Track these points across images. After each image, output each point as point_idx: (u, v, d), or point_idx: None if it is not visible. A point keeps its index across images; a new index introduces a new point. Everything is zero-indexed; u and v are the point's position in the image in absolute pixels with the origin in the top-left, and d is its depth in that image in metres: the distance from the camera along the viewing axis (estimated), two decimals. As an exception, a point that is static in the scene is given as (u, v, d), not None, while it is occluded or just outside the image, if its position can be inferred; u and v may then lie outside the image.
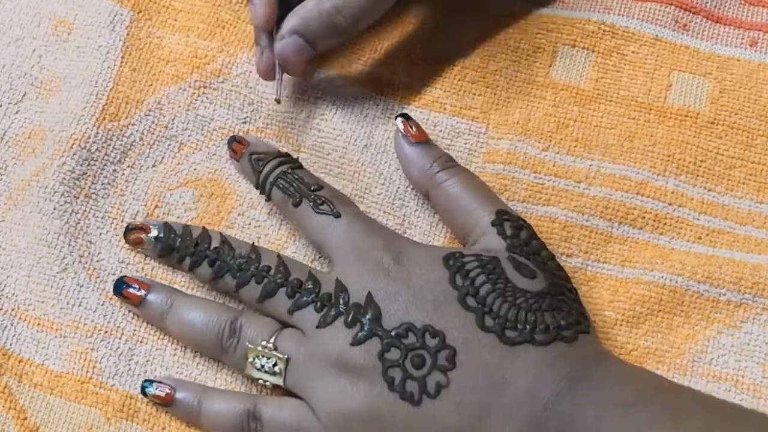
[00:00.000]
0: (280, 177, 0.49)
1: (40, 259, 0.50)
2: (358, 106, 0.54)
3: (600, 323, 0.48)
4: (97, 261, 0.50)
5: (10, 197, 0.52)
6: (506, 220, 0.47)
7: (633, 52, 0.54)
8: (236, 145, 0.51)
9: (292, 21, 0.49)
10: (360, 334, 0.43)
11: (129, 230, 0.50)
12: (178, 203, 0.52)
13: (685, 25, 0.54)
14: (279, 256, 0.47)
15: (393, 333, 0.43)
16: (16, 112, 0.54)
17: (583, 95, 0.53)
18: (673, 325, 0.48)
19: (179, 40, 0.55)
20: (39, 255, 0.50)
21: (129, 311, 0.49)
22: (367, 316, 0.43)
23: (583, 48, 0.54)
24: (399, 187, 0.52)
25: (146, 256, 0.50)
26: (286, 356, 0.45)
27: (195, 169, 0.53)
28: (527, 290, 0.43)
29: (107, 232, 0.51)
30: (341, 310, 0.44)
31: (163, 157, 0.53)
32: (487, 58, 0.54)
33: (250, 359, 0.46)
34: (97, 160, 0.52)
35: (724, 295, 0.48)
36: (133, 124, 0.53)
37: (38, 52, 0.55)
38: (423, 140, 0.50)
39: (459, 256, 0.45)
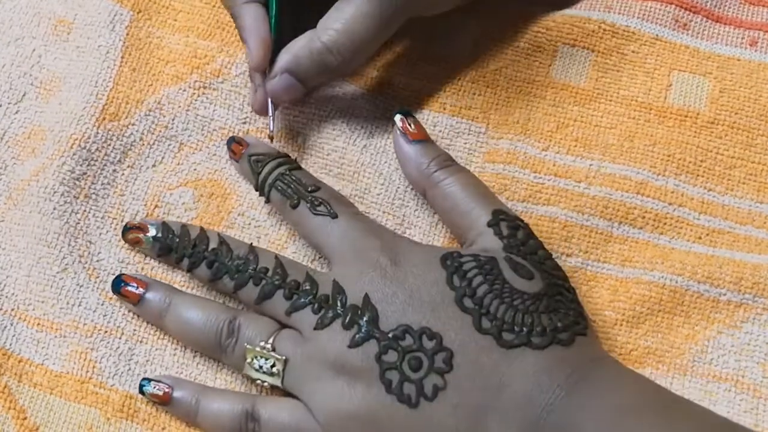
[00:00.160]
0: (279, 178, 0.49)
1: (40, 259, 0.50)
2: (358, 106, 0.54)
3: (600, 323, 0.48)
4: (97, 261, 0.50)
5: (10, 197, 0.52)
6: (503, 220, 0.47)
7: (633, 51, 0.53)
8: (235, 146, 0.52)
9: (284, 59, 0.50)
10: (357, 336, 0.43)
11: (127, 230, 0.50)
12: (178, 203, 0.52)
13: (685, 25, 0.54)
14: (277, 257, 0.47)
15: (390, 335, 0.43)
16: (16, 112, 0.54)
17: (583, 95, 0.53)
18: (673, 325, 0.48)
19: (179, 40, 0.55)
20: (39, 255, 0.50)
21: (129, 311, 0.49)
22: (365, 318, 0.43)
23: (583, 47, 0.54)
24: (398, 188, 0.52)
25: (146, 256, 0.51)
26: (284, 357, 0.45)
27: (195, 170, 0.53)
28: (524, 291, 0.43)
29: (107, 232, 0.51)
30: (339, 311, 0.44)
31: (163, 157, 0.53)
32: (487, 57, 0.54)
33: (249, 360, 0.46)
34: (97, 160, 0.52)
35: (724, 295, 0.48)
36: (133, 124, 0.53)
37: (38, 52, 0.55)
38: (422, 138, 0.50)
39: (456, 256, 0.45)
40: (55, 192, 0.51)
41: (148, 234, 0.50)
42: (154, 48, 0.55)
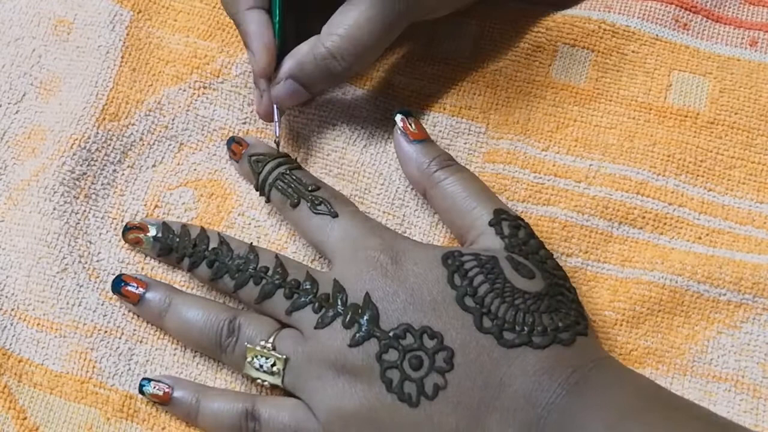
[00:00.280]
0: (279, 178, 0.49)
1: (40, 259, 0.50)
2: (358, 106, 0.54)
3: (600, 323, 0.48)
4: (97, 261, 0.50)
5: (10, 197, 0.52)
6: (504, 220, 0.47)
7: (633, 51, 0.53)
8: (235, 146, 0.52)
9: (288, 64, 0.50)
10: (358, 335, 0.43)
11: (127, 230, 0.50)
12: (178, 203, 0.52)
13: (685, 25, 0.54)
14: (277, 256, 0.47)
15: (391, 334, 0.43)
16: (16, 112, 0.54)
17: (583, 95, 0.53)
18: (673, 325, 0.48)
19: (179, 40, 0.55)
20: (39, 255, 0.50)
21: (129, 311, 0.49)
22: (365, 317, 0.43)
23: (583, 47, 0.54)
24: (399, 188, 0.52)
25: (146, 256, 0.51)
26: (284, 356, 0.45)
27: (195, 170, 0.53)
28: (526, 291, 0.43)
29: (107, 232, 0.51)
30: (339, 310, 0.44)
31: (163, 158, 0.53)
32: (487, 57, 0.54)
33: (249, 359, 0.46)
34: (97, 160, 0.52)
35: (724, 295, 0.48)
36: (133, 124, 0.53)
37: (38, 52, 0.55)
38: (422, 138, 0.50)
39: (458, 255, 0.45)
40: (55, 192, 0.51)
41: (148, 234, 0.50)
42: (154, 48, 0.55)
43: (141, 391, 0.47)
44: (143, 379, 0.48)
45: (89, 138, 0.52)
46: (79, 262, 0.50)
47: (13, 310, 0.49)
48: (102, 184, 0.52)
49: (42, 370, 0.48)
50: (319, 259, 0.50)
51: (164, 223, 0.50)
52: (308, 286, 0.45)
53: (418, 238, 0.50)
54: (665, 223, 0.50)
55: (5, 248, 0.51)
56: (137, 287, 0.48)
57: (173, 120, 0.53)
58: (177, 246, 0.49)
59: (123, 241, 0.50)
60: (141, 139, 0.53)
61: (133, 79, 0.54)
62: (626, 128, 0.52)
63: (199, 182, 0.52)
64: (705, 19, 0.54)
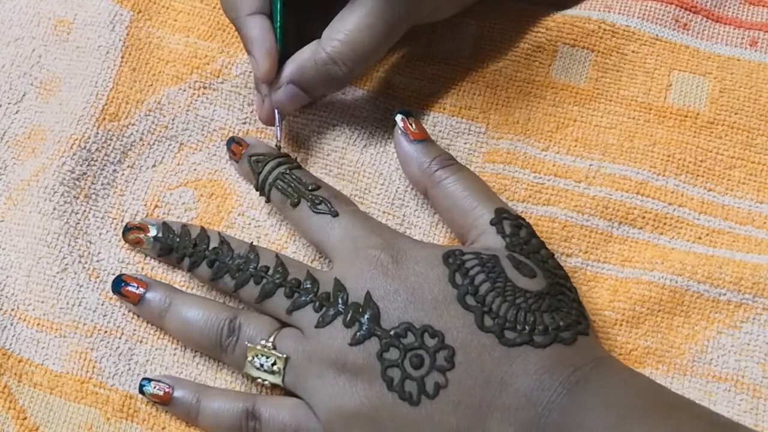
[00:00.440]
0: (279, 178, 0.49)
1: (40, 259, 0.50)
2: (358, 106, 0.54)
3: (600, 323, 0.48)
4: (97, 261, 0.50)
5: (10, 197, 0.52)
6: (505, 219, 0.47)
7: (633, 51, 0.53)
8: (235, 146, 0.52)
9: (289, 69, 0.50)
10: (359, 333, 0.43)
11: (128, 230, 0.50)
12: (178, 203, 0.52)
13: (685, 25, 0.54)
14: (277, 255, 0.47)
15: (392, 333, 0.43)
16: (16, 112, 0.54)
17: (583, 95, 0.53)
18: (673, 325, 0.48)
19: (179, 40, 0.55)
20: (39, 255, 0.50)
21: (129, 311, 0.49)
22: (366, 316, 0.43)
23: (583, 47, 0.54)
24: (399, 187, 0.52)
25: (146, 256, 0.51)
26: (285, 355, 0.45)
27: (195, 170, 0.53)
28: (527, 290, 0.43)
29: (107, 232, 0.51)
30: (340, 309, 0.44)
31: (163, 158, 0.53)
32: (487, 57, 0.54)
33: (249, 358, 0.46)
34: (97, 161, 0.52)
35: (724, 295, 0.48)
36: (133, 124, 0.53)
37: (38, 52, 0.55)
38: (423, 138, 0.50)
39: (459, 254, 0.45)
40: (55, 192, 0.51)
41: (148, 234, 0.50)
42: (154, 48, 0.55)
43: (141, 391, 0.47)
44: (143, 379, 0.47)
45: (89, 138, 0.52)
46: (79, 262, 0.50)
47: (13, 310, 0.49)
48: (102, 184, 0.52)
49: (42, 370, 0.48)
50: (320, 258, 0.50)
51: (164, 223, 0.50)
52: (309, 286, 0.45)
53: (418, 238, 0.50)
54: (665, 223, 0.50)
55: (5, 248, 0.51)
56: (137, 287, 0.48)
57: (173, 120, 0.53)
58: (177, 246, 0.49)
59: (123, 241, 0.50)
60: (141, 139, 0.53)
61: (133, 79, 0.54)
62: (626, 128, 0.52)
63: (199, 182, 0.52)
64: (705, 19, 0.54)
